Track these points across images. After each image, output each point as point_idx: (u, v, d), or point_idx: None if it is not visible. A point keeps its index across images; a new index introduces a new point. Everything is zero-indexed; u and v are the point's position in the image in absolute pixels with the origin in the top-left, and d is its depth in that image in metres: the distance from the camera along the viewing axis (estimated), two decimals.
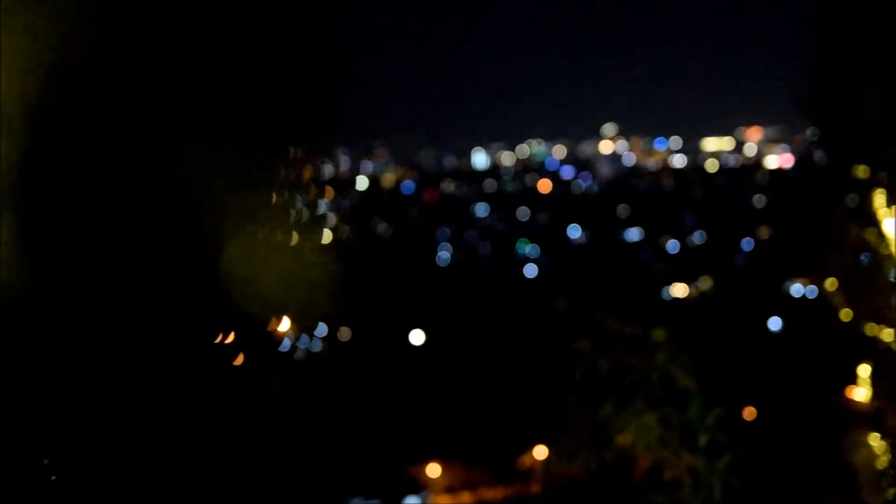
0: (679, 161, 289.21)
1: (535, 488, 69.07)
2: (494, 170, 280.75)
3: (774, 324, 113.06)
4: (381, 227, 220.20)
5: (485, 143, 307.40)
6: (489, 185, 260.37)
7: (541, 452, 67.31)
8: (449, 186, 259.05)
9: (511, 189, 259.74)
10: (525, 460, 67.51)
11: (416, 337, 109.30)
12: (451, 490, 69.14)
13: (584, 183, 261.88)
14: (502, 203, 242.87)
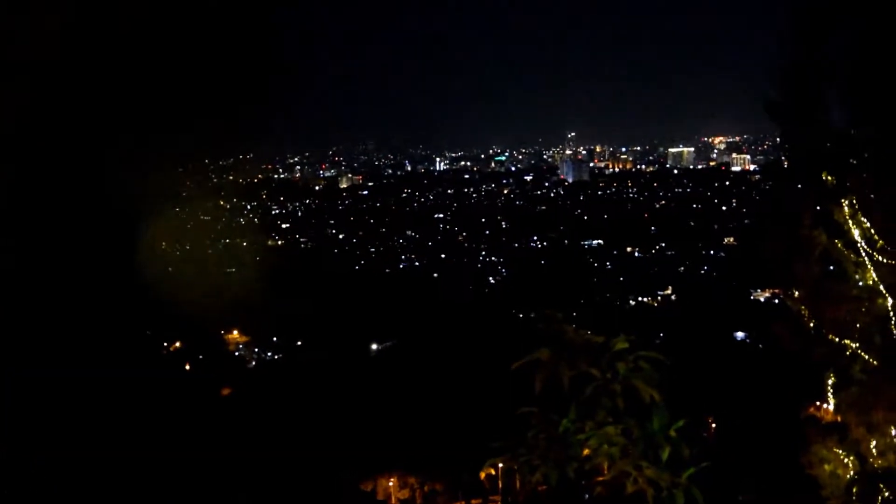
0: (643, 168, 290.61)
1: (495, 502, 69.03)
2: (455, 176, 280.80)
3: (739, 334, 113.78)
4: (337, 234, 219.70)
5: (446, 150, 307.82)
6: (450, 191, 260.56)
7: (500, 466, 67.26)
8: (408, 193, 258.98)
9: (472, 196, 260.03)
10: (484, 473, 67.44)
11: (374, 346, 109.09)
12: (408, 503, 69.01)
13: (547, 189, 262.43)
14: (463, 210, 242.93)
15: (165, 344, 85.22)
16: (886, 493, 17.88)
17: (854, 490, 18.29)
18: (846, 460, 18.86)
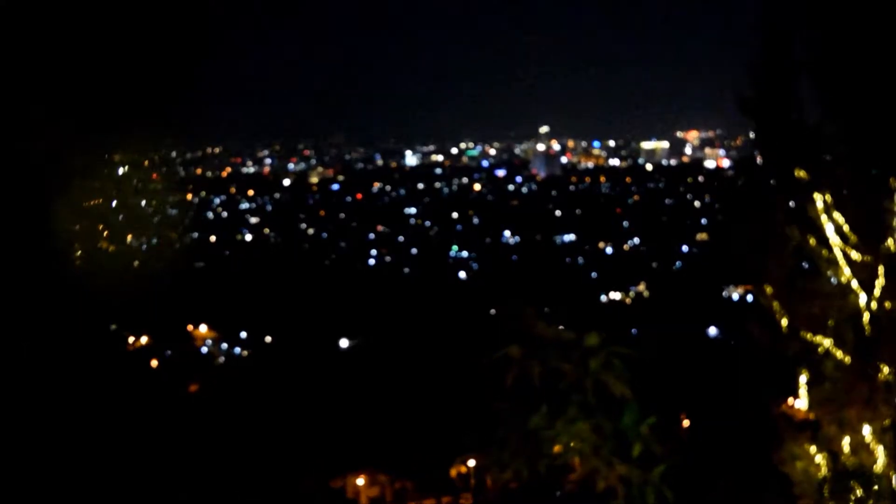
0: (615, 163, 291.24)
1: (466, 500, 69.17)
2: (426, 170, 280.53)
3: (712, 330, 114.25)
4: (307, 228, 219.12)
5: (416, 144, 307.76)
6: (420, 186, 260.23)
7: (471, 463, 67.63)
8: (378, 187, 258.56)
9: (443, 190, 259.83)
10: (455, 471, 67.55)
11: (344, 343, 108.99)
12: (378, 502, 68.98)
13: (519, 184, 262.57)
14: (434, 204, 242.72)
15: (131, 340, 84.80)
16: (859, 492, 18.01)
17: (826, 488, 18.41)
18: (818, 458, 18.97)
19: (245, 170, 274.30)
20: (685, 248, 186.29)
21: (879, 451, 18.21)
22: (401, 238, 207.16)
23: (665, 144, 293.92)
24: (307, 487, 60.04)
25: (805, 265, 18.97)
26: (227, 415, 63.13)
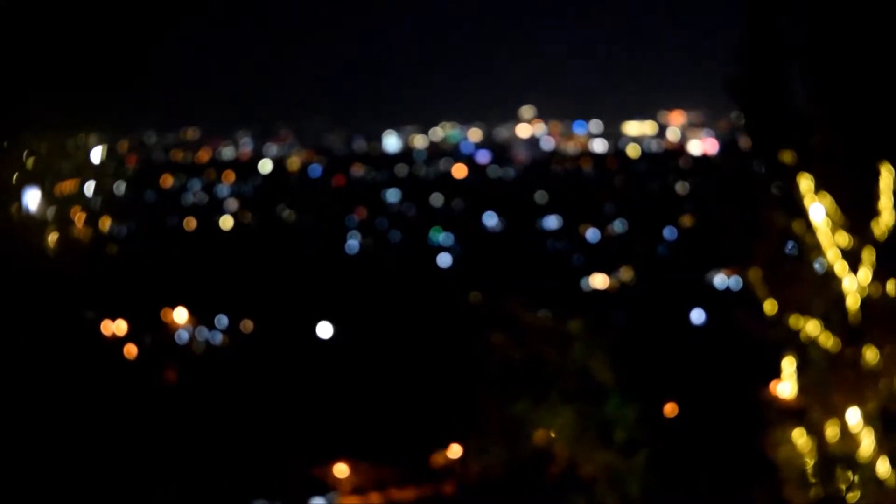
0: (599, 145, 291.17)
1: (449, 488, 69.27)
2: (406, 154, 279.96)
3: (697, 316, 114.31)
4: (286, 213, 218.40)
5: (396, 126, 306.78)
6: (401, 169, 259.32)
7: (455, 450, 67.64)
8: (358, 171, 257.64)
9: (424, 174, 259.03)
10: (438, 458, 67.59)
11: (323, 329, 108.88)
12: (359, 490, 69.03)
13: (501, 168, 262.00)
14: (414, 189, 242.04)
15: (108, 326, 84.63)
16: (848, 476, 18.16)
17: (812, 472, 18.55)
18: (805, 443, 19.10)
19: (224, 152, 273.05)
20: (670, 232, 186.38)
21: (866, 437, 18.35)
22: (381, 221, 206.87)
23: (649, 126, 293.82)
24: (288, 475, 60.17)
25: (791, 249, 19.08)
26: (206, 401, 63.20)
